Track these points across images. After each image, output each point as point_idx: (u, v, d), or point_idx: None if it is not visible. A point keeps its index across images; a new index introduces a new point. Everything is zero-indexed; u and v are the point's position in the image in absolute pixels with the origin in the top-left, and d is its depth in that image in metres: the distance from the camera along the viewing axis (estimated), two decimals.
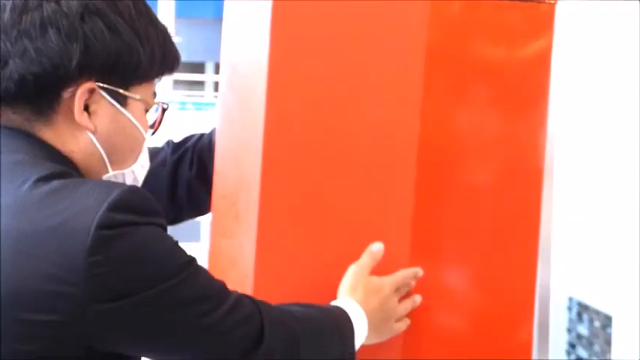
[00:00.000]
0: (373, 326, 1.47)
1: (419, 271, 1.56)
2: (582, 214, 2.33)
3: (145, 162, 1.35)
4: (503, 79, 1.64)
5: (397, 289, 1.53)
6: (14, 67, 1.17)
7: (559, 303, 2.46)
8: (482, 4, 1.59)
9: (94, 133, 1.23)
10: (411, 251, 1.56)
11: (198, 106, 6.46)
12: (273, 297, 1.46)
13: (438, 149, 1.58)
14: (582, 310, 2.39)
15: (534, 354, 2.09)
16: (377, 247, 1.52)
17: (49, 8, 1.18)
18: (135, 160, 1.31)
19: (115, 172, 1.28)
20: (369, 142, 1.52)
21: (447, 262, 1.64)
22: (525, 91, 1.65)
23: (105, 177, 1.27)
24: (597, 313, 2.29)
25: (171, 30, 1.33)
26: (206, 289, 1.20)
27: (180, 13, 5.98)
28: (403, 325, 1.55)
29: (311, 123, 1.50)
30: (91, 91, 1.21)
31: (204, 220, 4.90)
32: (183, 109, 6.26)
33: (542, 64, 1.66)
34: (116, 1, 1.22)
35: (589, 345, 2.38)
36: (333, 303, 1.46)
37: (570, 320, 2.47)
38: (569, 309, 2.46)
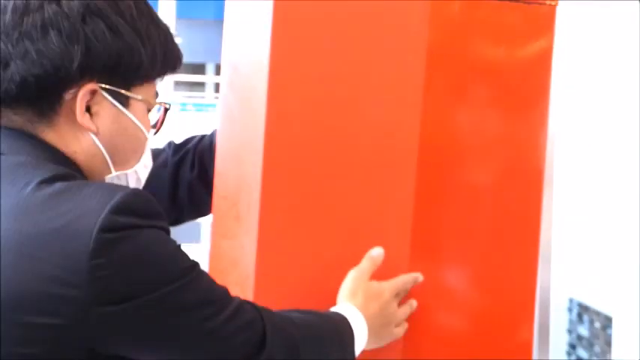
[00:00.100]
0: (373, 331, 1.47)
1: (419, 276, 1.56)
2: (583, 214, 2.33)
3: (148, 162, 1.35)
4: (503, 80, 1.64)
5: (397, 294, 1.53)
6: (15, 68, 1.17)
7: (559, 304, 2.47)
8: (483, 5, 1.59)
9: (96, 134, 1.23)
10: (411, 251, 1.56)
11: (199, 107, 6.45)
12: (274, 297, 1.46)
13: (438, 149, 1.58)
14: (582, 311, 2.40)
15: (535, 355, 2.09)
16: (377, 252, 1.52)
17: (50, 10, 1.18)
18: (138, 161, 1.31)
19: (118, 172, 1.28)
20: (370, 143, 1.52)
21: (448, 262, 1.64)
22: (526, 91, 1.65)
23: (108, 178, 1.27)
24: (597, 314, 2.29)
25: (172, 31, 1.33)
26: (209, 293, 1.19)
27: (181, 14, 5.97)
28: (402, 329, 1.55)
29: (312, 123, 1.50)
30: (93, 93, 1.21)
31: (205, 222, 4.90)
32: (183, 110, 6.25)
33: (542, 65, 1.66)
34: (117, 1, 1.22)
35: (589, 346, 2.39)
36: (333, 309, 1.46)
37: (571, 321, 2.47)
38: (570, 310, 2.47)
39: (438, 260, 1.62)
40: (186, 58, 1.37)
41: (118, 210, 1.08)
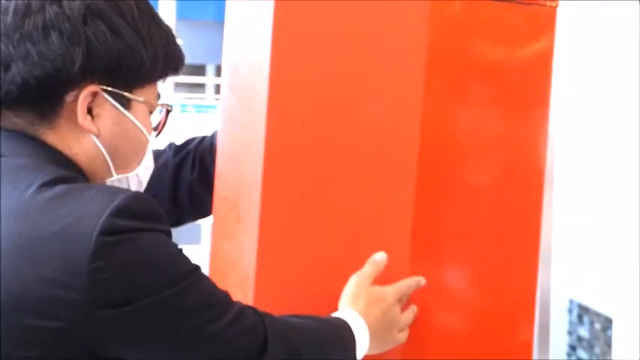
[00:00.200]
0: (375, 337, 1.46)
1: (421, 280, 1.56)
2: (583, 215, 2.33)
3: (150, 164, 1.34)
4: (504, 80, 1.64)
5: (400, 299, 1.53)
6: (17, 70, 1.16)
7: (559, 305, 2.47)
8: (484, 6, 1.59)
9: (97, 136, 1.22)
10: (411, 252, 1.56)
11: (199, 108, 6.45)
12: (275, 299, 1.46)
13: (438, 150, 1.58)
14: (583, 312, 2.40)
15: (535, 356, 2.09)
16: (380, 257, 1.52)
17: (51, 11, 1.17)
18: (139, 163, 1.31)
19: (119, 176, 1.28)
20: (370, 143, 1.52)
21: (448, 263, 1.64)
22: (526, 92, 1.65)
23: (109, 181, 1.27)
24: (598, 315, 2.29)
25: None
26: (210, 297, 1.19)
27: (181, 16, 5.97)
28: (405, 335, 1.54)
29: (312, 124, 1.50)
30: (94, 94, 1.20)
31: (205, 223, 4.90)
32: (184, 111, 6.25)
33: (543, 65, 1.66)
34: (119, 2, 1.21)
35: (589, 347, 2.39)
36: (335, 314, 1.45)
37: (571, 322, 2.47)
38: (570, 311, 2.47)
39: (438, 261, 1.62)
40: (187, 60, 1.37)
41: (119, 213, 1.07)
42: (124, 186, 1.29)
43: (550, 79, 1.67)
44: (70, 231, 1.06)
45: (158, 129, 1.35)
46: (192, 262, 1.17)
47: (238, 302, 1.24)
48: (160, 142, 1.53)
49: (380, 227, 1.54)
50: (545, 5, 1.64)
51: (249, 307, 1.26)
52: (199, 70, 14.04)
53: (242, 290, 1.49)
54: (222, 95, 1.64)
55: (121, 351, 1.12)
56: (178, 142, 1.76)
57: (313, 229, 1.51)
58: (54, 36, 1.16)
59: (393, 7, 1.52)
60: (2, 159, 1.16)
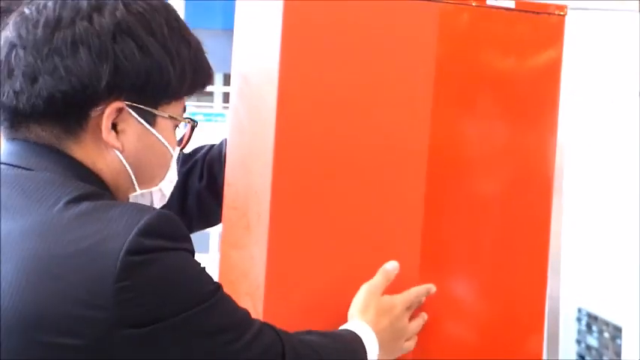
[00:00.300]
0: (383, 346, 1.46)
1: (432, 287, 1.56)
2: (592, 225, 2.33)
3: (174, 177, 1.33)
4: (512, 90, 1.64)
5: (409, 307, 1.53)
6: (43, 84, 1.16)
7: (568, 314, 2.46)
8: (492, 15, 1.59)
9: (121, 151, 1.22)
10: (421, 261, 1.56)
11: (208, 116, 6.45)
12: (285, 308, 1.46)
13: (448, 159, 1.58)
14: (592, 321, 2.39)
15: None
16: (391, 266, 1.52)
17: (81, 26, 1.16)
18: (163, 178, 1.30)
19: (143, 191, 1.27)
20: (379, 153, 1.53)
21: (457, 272, 1.63)
22: (535, 101, 1.65)
23: (132, 196, 1.27)
24: (607, 324, 2.29)
25: None
26: (232, 316, 1.19)
27: (189, 24, 5.98)
28: (413, 343, 1.54)
29: (321, 134, 1.50)
30: (120, 110, 1.19)
31: (214, 232, 4.90)
32: None
33: (551, 75, 1.66)
34: (149, 19, 1.20)
35: (598, 356, 2.38)
36: (345, 326, 1.45)
37: (580, 331, 2.47)
38: (579, 320, 2.46)
39: (447, 270, 1.62)
40: None
41: (145, 233, 1.08)
42: (147, 200, 1.29)
43: (559, 88, 1.67)
44: (96, 250, 1.06)
45: (182, 143, 1.34)
46: (215, 281, 1.18)
47: (257, 320, 1.24)
48: None
49: (390, 236, 1.54)
50: (553, 14, 1.64)
51: (266, 325, 1.26)
52: None
53: (252, 299, 1.49)
54: (231, 104, 1.65)
55: None
56: (186, 150, 1.76)
57: (323, 238, 1.51)
58: (82, 51, 1.16)
59: (402, 17, 1.52)
60: (29, 172, 1.16)
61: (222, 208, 1.64)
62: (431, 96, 1.55)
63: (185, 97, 1.29)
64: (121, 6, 1.19)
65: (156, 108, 1.23)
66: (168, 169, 1.30)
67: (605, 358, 2.31)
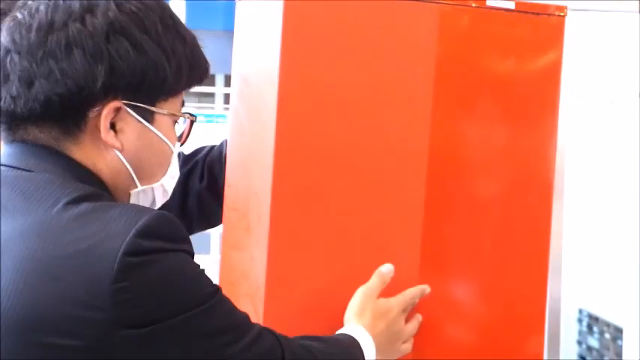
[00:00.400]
0: (380, 349, 1.46)
1: (426, 288, 1.55)
2: (593, 226, 2.33)
3: (175, 173, 1.33)
4: (512, 92, 1.64)
5: (404, 310, 1.53)
6: (40, 87, 1.16)
7: (569, 315, 2.46)
8: (492, 17, 1.59)
9: (121, 150, 1.22)
10: (420, 263, 1.56)
11: (209, 117, 6.44)
12: (285, 309, 1.46)
13: (448, 161, 1.58)
14: (593, 322, 2.39)
15: None
16: (386, 269, 1.52)
17: (74, 28, 1.16)
18: (164, 174, 1.30)
19: (144, 187, 1.28)
20: (379, 154, 1.53)
21: (458, 274, 1.63)
22: (535, 103, 1.65)
23: (133, 192, 1.27)
24: (608, 325, 2.29)
25: None
26: (230, 319, 1.19)
27: (190, 25, 5.97)
28: (409, 345, 1.54)
29: (321, 135, 1.50)
30: (117, 110, 1.20)
31: (214, 233, 4.90)
32: None
33: (551, 76, 1.66)
34: (142, 17, 1.20)
35: (599, 357, 2.38)
36: (342, 330, 1.45)
37: (581, 332, 2.47)
38: (580, 321, 2.46)
39: (448, 272, 1.62)
40: None
41: (143, 234, 1.08)
42: (149, 196, 1.29)
43: (559, 90, 1.67)
44: (94, 251, 1.06)
45: (182, 139, 1.34)
46: (214, 283, 1.18)
47: (257, 324, 1.24)
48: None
49: (390, 238, 1.54)
50: (553, 15, 1.64)
51: (266, 329, 1.26)
52: (208, 79, 14.04)
53: (252, 300, 1.49)
54: (232, 105, 1.65)
55: None
56: (187, 151, 1.76)
57: (323, 240, 1.51)
58: (76, 53, 1.16)
59: (402, 18, 1.53)
60: (28, 174, 1.17)
61: (222, 209, 1.64)
62: (431, 97, 1.55)
63: (183, 93, 1.29)
64: (113, 6, 1.19)
65: (153, 105, 1.24)
66: (169, 165, 1.31)
67: (605, 358, 2.32)
